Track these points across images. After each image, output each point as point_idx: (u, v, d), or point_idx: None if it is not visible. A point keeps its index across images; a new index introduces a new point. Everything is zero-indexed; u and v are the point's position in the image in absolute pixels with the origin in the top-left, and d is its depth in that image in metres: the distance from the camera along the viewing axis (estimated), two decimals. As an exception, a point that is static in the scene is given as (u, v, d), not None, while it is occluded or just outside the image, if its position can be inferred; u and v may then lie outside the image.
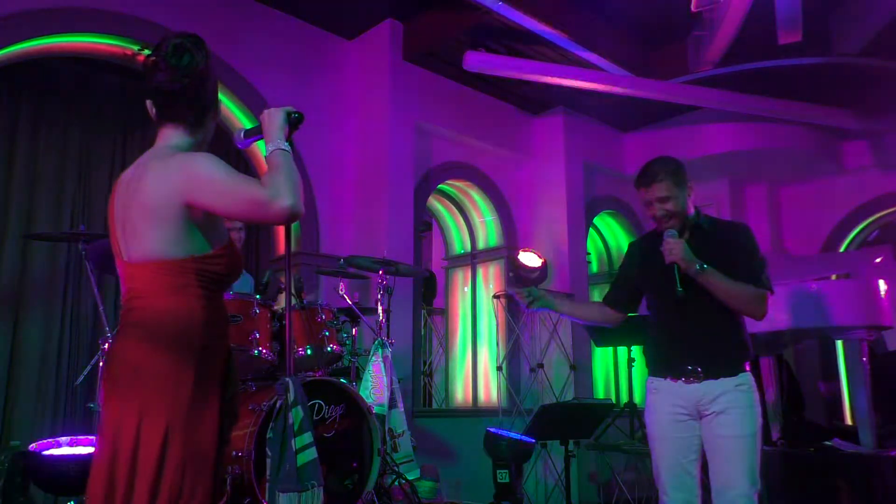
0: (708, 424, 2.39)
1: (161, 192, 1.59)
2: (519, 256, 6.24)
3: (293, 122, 1.81)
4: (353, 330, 4.08)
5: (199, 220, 1.61)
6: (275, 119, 1.78)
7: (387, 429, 3.79)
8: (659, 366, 2.51)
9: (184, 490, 1.53)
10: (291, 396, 1.71)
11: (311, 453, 1.73)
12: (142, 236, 1.61)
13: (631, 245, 2.83)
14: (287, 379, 1.72)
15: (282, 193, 1.55)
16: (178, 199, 1.58)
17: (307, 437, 1.73)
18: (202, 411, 1.58)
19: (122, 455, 1.54)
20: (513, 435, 4.54)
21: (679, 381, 2.42)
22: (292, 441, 1.69)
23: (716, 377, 2.39)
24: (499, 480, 4.47)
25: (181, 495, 1.53)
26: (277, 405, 1.75)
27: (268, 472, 1.70)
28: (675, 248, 2.42)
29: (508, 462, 4.46)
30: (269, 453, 1.71)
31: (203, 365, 1.60)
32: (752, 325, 4.36)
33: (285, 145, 1.72)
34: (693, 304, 2.44)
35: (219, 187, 1.57)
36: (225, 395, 1.67)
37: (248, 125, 5.23)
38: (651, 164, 2.56)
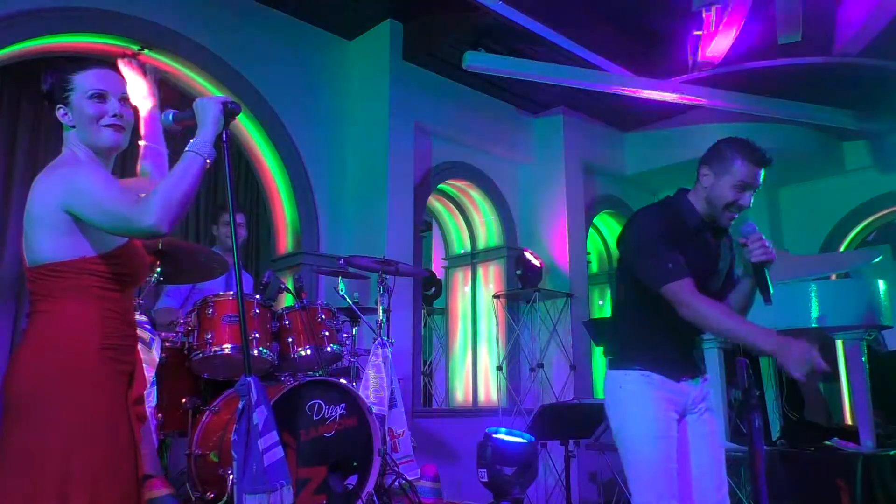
0: (693, 423, 2.22)
1: (45, 201, 1.64)
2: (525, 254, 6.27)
3: (228, 114, 1.75)
4: (353, 330, 4.08)
5: (86, 224, 1.64)
6: (210, 111, 1.73)
7: (387, 429, 3.80)
8: (658, 362, 2.19)
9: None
10: (254, 396, 1.68)
11: (278, 452, 1.70)
12: (34, 242, 1.66)
13: (660, 220, 2.22)
14: (248, 379, 1.70)
15: (147, 212, 1.56)
16: (60, 205, 1.62)
17: (273, 437, 1.70)
18: (107, 420, 1.60)
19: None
20: (508, 440, 4.51)
21: (679, 381, 2.20)
22: (257, 442, 1.67)
23: (701, 375, 2.28)
24: (480, 480, 4.48)
25: None
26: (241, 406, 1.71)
27: (233, 475, 1.68)
28: (770, 246, 2.09)
29: (488, 463, 4.46)
30: (234, 455, 1.68)
31: (104, 366, 1.62)
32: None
33: (205, 148, 1.68)
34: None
35: (92, 201, 1.60)
36: (131, 394, 1.69)
37: (249, 125, 5.27)
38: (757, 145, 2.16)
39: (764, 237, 2.12)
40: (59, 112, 1.74)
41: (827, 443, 4.38)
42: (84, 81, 1.74)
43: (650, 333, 2.23)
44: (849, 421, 6.57)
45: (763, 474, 2.56)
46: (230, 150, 1.79)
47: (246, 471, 1.64)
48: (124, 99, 1.77)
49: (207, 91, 5.04)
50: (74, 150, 1.74)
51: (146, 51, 4.68)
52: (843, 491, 3.88)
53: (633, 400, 2.18)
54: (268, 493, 1.64)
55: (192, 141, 1.68)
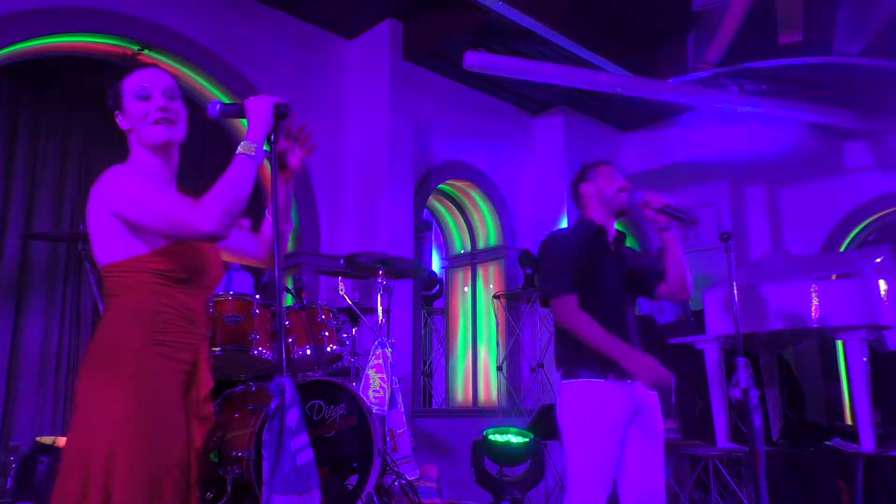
0: (640, 423, 2.35)
1: (97, 207, 1.68)
2: None
3: (279, 116, 1.75)
4: (353, 330, 4.08)
5: (134, 224, 1.66)
6: (263, 113, 1.73)
7: (387, 429, 3.80)
8: (602, 366, 2.32)
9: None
10: (288, 397, 1.69)
11: (308, 454, 1.71)
12: (94, 244, 1.70)
13: (567, 236, 2.54)
14: (282, 379, 1.70)
15: (206, 217, 1.59)
16: (108, 210, 1.66)
17: (304, 438, 1.70)
18: (156, 417, 1.61)
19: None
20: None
21: (626, 382, 2.33)
22: (290, 443, 1.67)
23: None
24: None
25: None
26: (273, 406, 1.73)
27: (264, 474, 1.68)
28: (661, 193, 2.50)
29: (477, 461, 4.47)
30: (266, 455, 1.69)
31: (152, 360, 1.63)
32: (753, 325, 4.37)
33: (254, 150, 1.68)
34: (627, 299, 2.51)
35: (144, 206, 1.63)
36: (193, 393, 1.69)
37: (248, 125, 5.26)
38: None
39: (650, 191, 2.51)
40: (117, 119, 1.78)
41: (827, 443, 4.38)
42: (129, 84, 1.76)
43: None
44: (849, 421, 6.56)
45: (763, 475, 2.55)
46: (276, 152, 1.78)
47: (277, 471, 1.64)
48: (169, 92, 1.76)
49: (207, 91, 5.04)
50: (134, 155, 1.78)
51: (146, 51, 4.68)
52: (844, 491, 3.88)
53: (584, 410, 2.34)
54: (298, 493, 1.64)
55: (242, 142, 1.69)
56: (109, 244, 1.67)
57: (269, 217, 1.89)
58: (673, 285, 2.52)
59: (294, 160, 1.87)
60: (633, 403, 2.35)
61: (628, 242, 2.67)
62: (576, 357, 2.38)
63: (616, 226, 2.60)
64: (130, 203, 1.64)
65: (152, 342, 1.64)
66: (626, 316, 2.47)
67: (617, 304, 2.46)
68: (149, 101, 1.73)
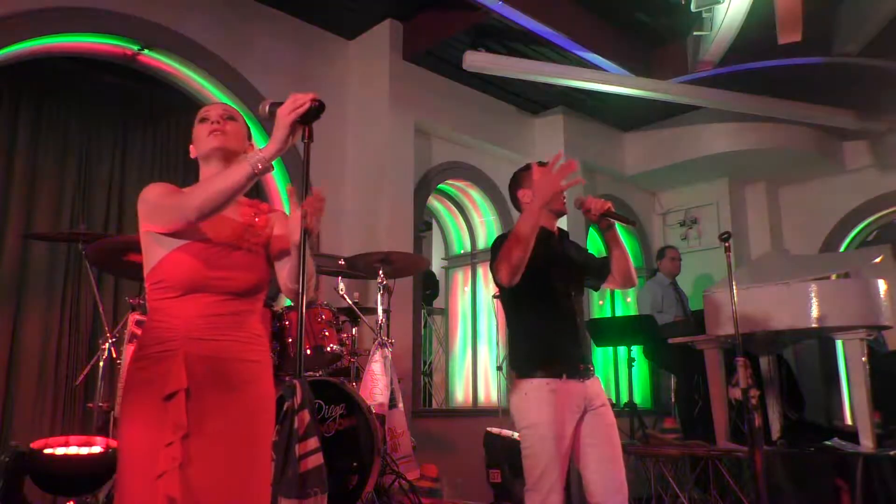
0: (594, 418, 2.48)
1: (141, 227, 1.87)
2: None
3: (310, 115, 1.71)
4: (353, 330, 4.08)
5: (153, 239, 1.83)
6: (283, 123, 1.70)
7: (387, 429, 3.80)
8: (553, 366, 2.46)
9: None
10: (299, 399, 1.67)
11: (317, 459, 1.69)
12: None
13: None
14: (294, 381, 1.69)
15: (187, 203, 1.75)
16: (142, 228, 1.85)
17: (314, 442, 1.69)
18: (131, 419, 1.74)
19: None
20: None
21: (575, 380, 2.47)
22: (296, 446, 1.66)
23: (594, 374, 2.58)
24: (490, 481, 4.48)
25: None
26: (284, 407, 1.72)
27: (272, 477, 1.67)
28: (596, 198, 2.61)
29: (501, 463, 4.46)
30: (274, 457, 1.68)
31: (135, 374, 1.78)
32: (753, 325, 4.38)
33: (259, 160, 1.71)
34: (578, 302, 2.60)
35: (153, 207, 1.82)
36: (167, 397, 1.71)
37: (249, 125, 5.26)
38: None
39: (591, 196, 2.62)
40: (193, 150, 1.99)
41: (826, 443, 4.38)
42: (197, 115, 2.02)
43: (545, 344, 2.53)
44: (849, 421, 6.57)
45: (763, 475, 2.55)
46: (307, 151, 1.79)
47: (283, 474, 1.64)
48: (225, 114, 2.00)
49: (208, 91, 5.04)
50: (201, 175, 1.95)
51: (146, 51, 4.68)
52: (843, 491, 3.88)
53: (536, 405, 2.44)
54: (301, 498, 1.64)
55: (258, 148, 1.77)
56: (145, 262, 1.86)
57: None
58: (619, 280, 2.70)
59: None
60: (584, 400, 2.48)
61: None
62: (532, 359, 2.51)
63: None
64: (150, 210, 1.82)
65: (136, 357, 1.79)
66: (573, 308, 2.58)
67: (565, 300, 2.57)
68: (206, 123, 1.97)
